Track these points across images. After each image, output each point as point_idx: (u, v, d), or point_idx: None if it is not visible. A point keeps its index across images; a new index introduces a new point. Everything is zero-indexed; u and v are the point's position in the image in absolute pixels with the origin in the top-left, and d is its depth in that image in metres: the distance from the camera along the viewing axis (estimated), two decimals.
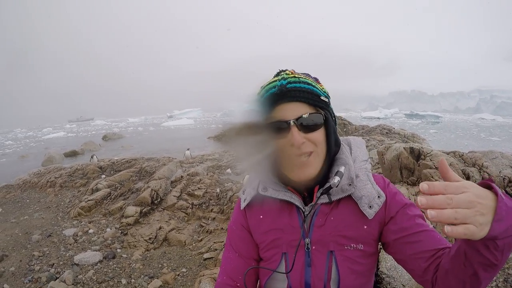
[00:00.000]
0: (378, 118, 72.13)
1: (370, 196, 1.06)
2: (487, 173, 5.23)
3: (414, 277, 1.03)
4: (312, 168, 1.04)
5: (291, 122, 1.01)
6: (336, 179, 1.03)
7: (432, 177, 5.17)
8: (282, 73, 1.08)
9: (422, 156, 5.75)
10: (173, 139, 33.81)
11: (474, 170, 5.33)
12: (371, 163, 1.22)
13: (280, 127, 1.02)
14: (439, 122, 63.64)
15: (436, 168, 5.31)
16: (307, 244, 1.09)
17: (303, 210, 1.10)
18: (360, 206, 1.06)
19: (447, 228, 0.64)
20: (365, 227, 1.07)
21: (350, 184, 1.06)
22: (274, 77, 1.12)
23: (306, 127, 1.02)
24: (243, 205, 1.21)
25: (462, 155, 5.94)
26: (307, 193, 1.12)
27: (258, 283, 1.24)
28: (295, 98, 1.02)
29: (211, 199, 8.34)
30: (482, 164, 5.47)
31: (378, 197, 1.06)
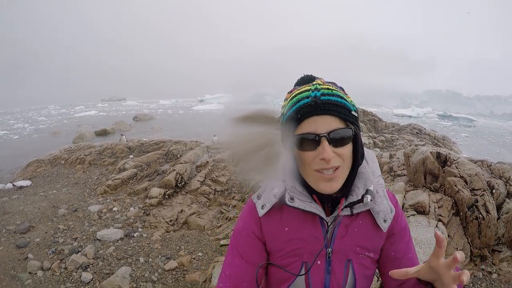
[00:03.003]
0: (410, 116, 69.94)
1: (386, 211, 1.15)
2: None
3: None
4: (337, 182, 1.05)
5: (323, 136, 1.00)
6: (369, 198, 1.07)
7: (455, 185, 5.05)
8: (315, 83, 1.08)
9: (448, 163, 5.60)
10: (202, 123, 34.03)
11: (500, 182, 5.15)
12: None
13: (310, 140, 1.02)
14: (472, 126, 61.26)
15: (461, 176, 5.19)
16: (329, 253, 1.13)
17: (326, 221, 1.13)
18: (377, 220, 1.14)
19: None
20: (378, 238, 1.18)
21: (371, 200, 1.09)
22: (299, 82, 1.15)
23: (336, 142, 1.01)
24: (261, 212, 1.17)
25: (490, 165, 5.74)
26: (330, 203, 1.14)
27: None
28: (328, 111, 1.01)
29: (233, 187, 8.47)
30: (510, 177, 5.28)
31: (391, 211, 1.17)
